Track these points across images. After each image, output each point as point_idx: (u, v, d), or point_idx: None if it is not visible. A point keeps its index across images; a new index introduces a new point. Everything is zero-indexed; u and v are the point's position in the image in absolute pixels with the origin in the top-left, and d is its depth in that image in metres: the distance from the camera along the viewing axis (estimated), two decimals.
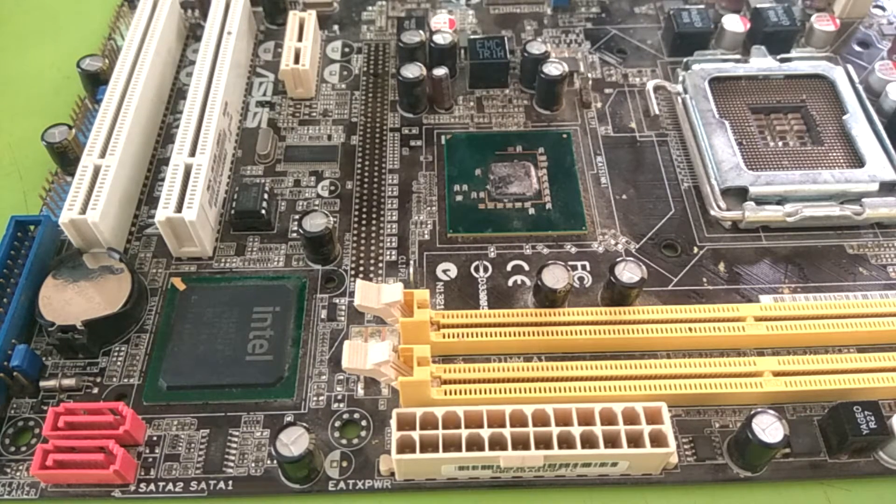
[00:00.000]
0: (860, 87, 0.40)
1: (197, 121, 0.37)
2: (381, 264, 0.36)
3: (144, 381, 0.32)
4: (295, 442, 0.28)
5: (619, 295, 0.33)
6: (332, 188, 0.39)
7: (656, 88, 0.42)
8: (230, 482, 0.30)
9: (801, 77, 0.41)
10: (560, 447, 0.28)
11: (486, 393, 0.30)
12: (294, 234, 0.37)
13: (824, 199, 0.36)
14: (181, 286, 0.35)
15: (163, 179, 0.37)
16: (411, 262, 0.36)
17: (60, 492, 0.30)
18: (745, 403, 0.31)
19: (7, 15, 0.49)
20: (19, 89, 0.45)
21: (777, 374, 0.31)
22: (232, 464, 0.30)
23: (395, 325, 0.31)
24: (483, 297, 0.35)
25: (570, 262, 0.36)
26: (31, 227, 0.35)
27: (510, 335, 0.32)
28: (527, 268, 0.36)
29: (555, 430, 0.28)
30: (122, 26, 0.46)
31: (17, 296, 0.33)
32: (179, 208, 0.34)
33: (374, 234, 0.37)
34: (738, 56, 0.43)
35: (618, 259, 0.34)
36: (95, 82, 0.42)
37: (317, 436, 0.30)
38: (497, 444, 0.28)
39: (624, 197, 0.38)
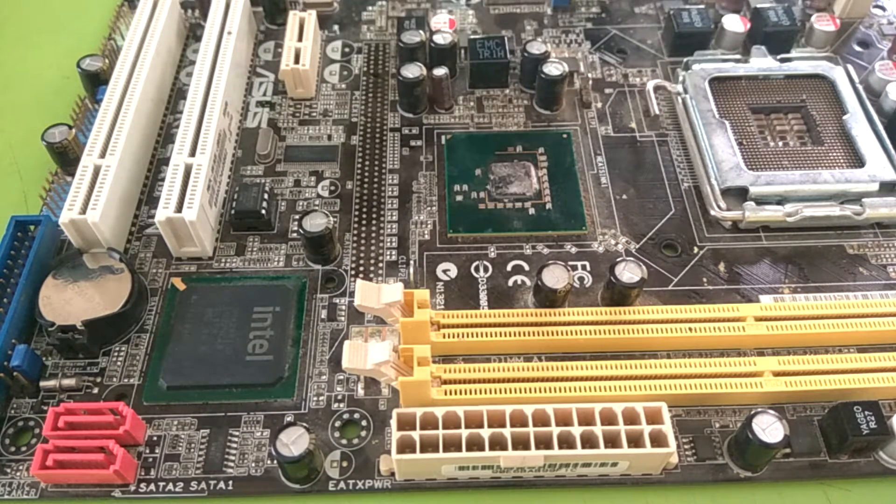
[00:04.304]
0: (860, 87, 0.40)
1: (197, 121, 0.37)
2: (381, 264, 0.36)
3: (144, 381, 0.32)
4: (295, 442, 0.28)
5: (619, 295, 0.33)
6: (333, 188, 0.39)
7: (656, 88, 0.42)
8: (230, 482, 0.30)
9: (802, 77, 0.41)
10: (560, 447, 0.28)
11: (486, 393, 0.30)
12: (294, 234, 0.37)
13: (824, 199, 0.36)
14: (181, 286, 0.35)
15: (163, 179, 0.37)
16: (411, 262, 0.36)
17: (60, 492, 0.30)
18: (746, 403, 0.31)
19: (7, 15, 0.49)
20: (19, 89, 0.45)
21: (777, 374, 0.31)
22: (232, 464, 0.30)
23: (396, 325, 0.31)
24: (483, 297, 0.35)
25: (570, 262, 0.36)
26: (31, 227, 0.35)
27: (510, 335, 0.32)
28: (527, 268, 0.36)
29: (555, 430, 0.28)
30: (122, 26, 0.46)
31: (17, 296, 0.33)
32: (179, 208, 0.34)
33: (374, 234, 0.37)
34: (738, 56, 0.43)
35: (618, 259, 0.34)
36: (95, 82, 0.42)
37: (317, 436, 0.30)
38: (497, 444, 0.28)
39: (624, 197, 0.38)
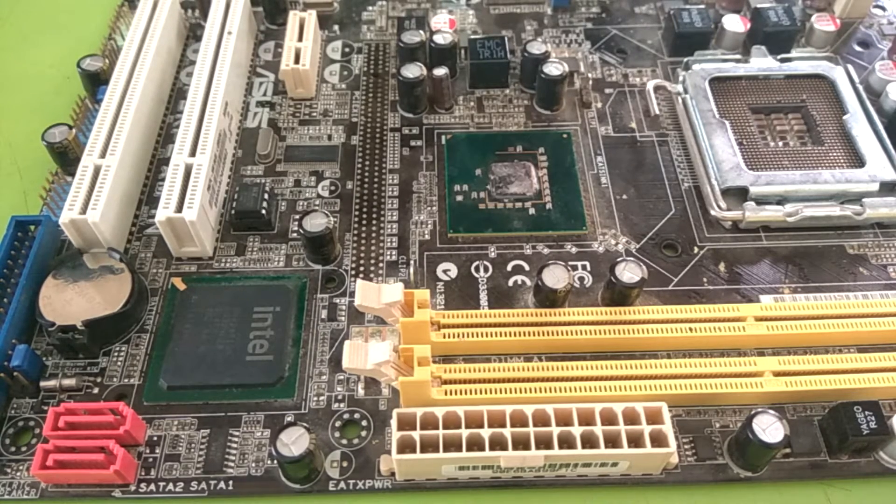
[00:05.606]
0: (860, 87, 0.40)
1: (197, 121, 0.37)
2: (381, 264, 0.36)
3: (145, 381, 0.32)
4: (295, 442, 0.28)
5: (619, 295, 0.33)
6: (333, 188, 0.39)
7: (656, 88, 0.42)
8: (230, 482, 0.30)
9: (802, 77, 0.41)
10: (560, 447, 0.28)
11: (486, 393, 0.30)
12: (294, 234, 0.37)
13: (824, 199, 0.36)
14: (181, 286, 0.35)
15: (163, 179, 0.37)
16: (412, 262, 0.36)
17: (61, 492, 0.30)
18: (746, 403, 0.31)
19: (7, 15, 0.49)
20: (19, 89, 0.45)
21: (777, 374, 0.31)
22: (232, 464, 0.30)
23: (396, 325, 0.31)
24: (483, 297, 0.35)
25: (570, 262, 0.36)
26: (32, 227, 0.35)
27: (510, 335, 0.32)
28: (527, 268, 0.36)
29: (555, 430, 0.28)
30: (122, 26, 0.46)
31: (17, 296, 0.33)
32: (180, 208, 0.34)
33: (374, 234, 0.37)
34: (738, 56, 0.43)
35: (618, 259, 0.34)
36: (95, 82, 0.42)
37: (317, 436, 0.30)
38: (497, 444, 0.28)
39: (624, 197, 0.38)
